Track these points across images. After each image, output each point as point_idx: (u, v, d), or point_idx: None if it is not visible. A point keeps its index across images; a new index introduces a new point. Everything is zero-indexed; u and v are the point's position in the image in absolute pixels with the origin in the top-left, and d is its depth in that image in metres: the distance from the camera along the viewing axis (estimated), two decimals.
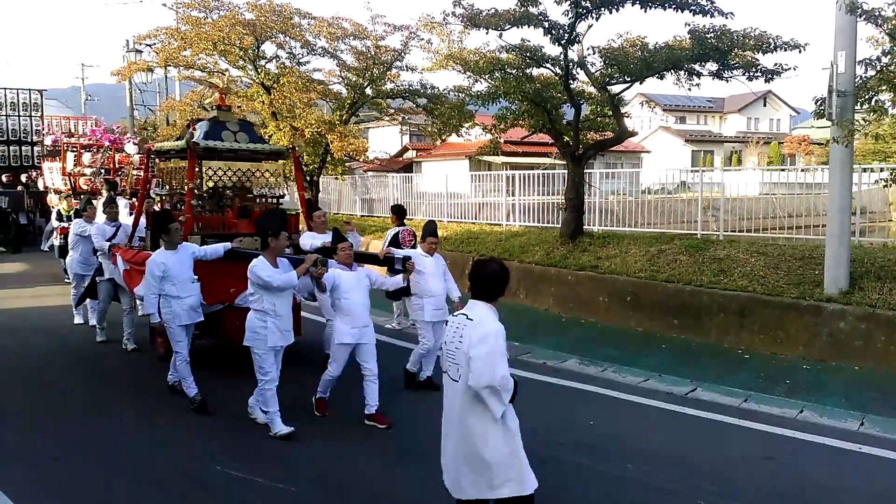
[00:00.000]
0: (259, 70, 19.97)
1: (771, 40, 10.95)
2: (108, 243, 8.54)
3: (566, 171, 13.20)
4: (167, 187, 8.79)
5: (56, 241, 13.50)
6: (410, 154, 33.51)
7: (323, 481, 5.11)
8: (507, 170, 17.64)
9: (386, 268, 7.27)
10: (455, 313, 3.86)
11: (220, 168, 7.93)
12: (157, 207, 9.26)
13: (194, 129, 7.92)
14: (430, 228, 7.26)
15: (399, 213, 9.82)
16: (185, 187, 7.72)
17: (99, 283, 8.88)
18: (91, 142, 17.40)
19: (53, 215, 13.88)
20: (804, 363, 8.38)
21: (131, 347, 8.60)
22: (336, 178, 22.72)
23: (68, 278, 12.30)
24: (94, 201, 11.47)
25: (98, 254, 8.89)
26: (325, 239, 7.33)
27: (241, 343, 5.94)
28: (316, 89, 20.09)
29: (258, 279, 5.64)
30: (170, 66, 21.27)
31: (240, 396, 6.45)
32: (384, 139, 33.99)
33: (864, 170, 13.37)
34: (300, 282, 6.03)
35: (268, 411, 5.85)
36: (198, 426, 6.22)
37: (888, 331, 8.11)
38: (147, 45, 21.81)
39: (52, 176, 17.23)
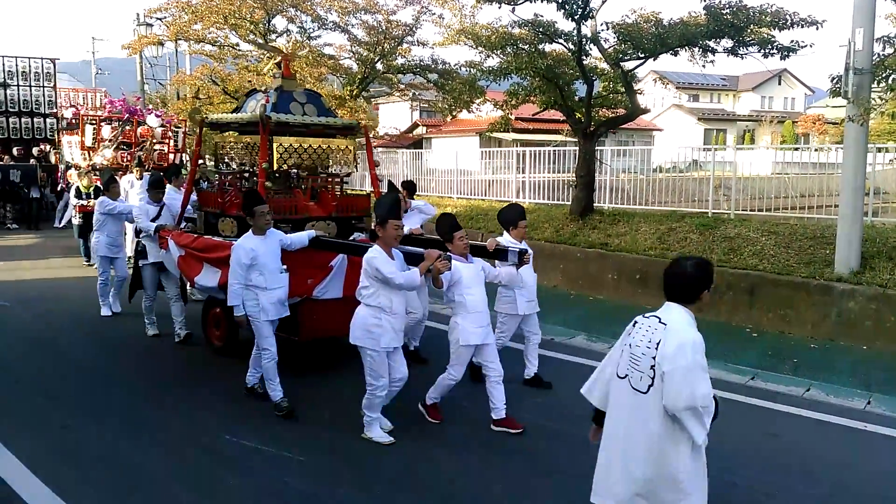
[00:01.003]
0: (270, 44, 19.88)
1: (788, 16, 10.81)
2: (154, 224, 7.76)
3: (577, 148, 13.13)
4: (223, 164, 8.11)
5: (75, 219, 12.85)
6: (421, 130, 33.42)
7: (331, 452, 5.18)
8: (517, 147, 17.57)
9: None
10: (646, 314, 3.45)
11: (289, 144, 6.96)
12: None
13: (267, 101, 6.98)
14: (519, 211, 6.37)
15: (410, 188, 9.80)
16: (257, 166, 6.85)
17: (142, 268, 8.05)
18: (112, 114, 16.02)
19: (72, 192, 13.00)
20: (812, 342, 8.37)
21: (184, 334, 7.86)
22: None
23: (88, 260, 12.29)
24: (116, 177, 11.13)
25: (141, 235, 8.09)
26: (411, 225, 6.65)
27: (309, 338, 5.89)
28: (327, 64, 20.03)
29: (378, 274, 5.01)
30: (180, 39, 21.26)
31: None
32: (395, 115, 33.89)
33: (879, 150, 13.23)
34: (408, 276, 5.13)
35: (371, 416, 5.31)
36: (209, 397, 6.30)
37: None
38: (158, 18, 21.81)
39: (71, 150, 16.10)
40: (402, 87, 22.66)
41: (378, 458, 5.08)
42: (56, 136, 20.59)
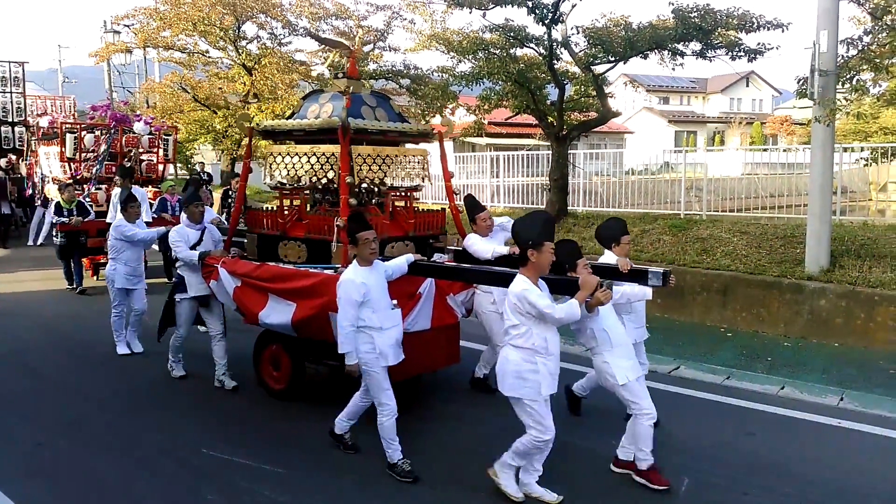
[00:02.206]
0: (240, 51, 19.79)
1: (754, 19, 10.99)
2: (196, 252, 6.48)
3: (550, 152, 13.20)
4: (277, 178, 6.33)
5: (56, 238, 11.20)
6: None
7: (311, 464, 5.12)
8: (491, 151, 17.61)
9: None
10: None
11: (364, 154, 5.88)
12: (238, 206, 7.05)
13: (348, 104, 5.80)
14: (622, 225, 5.55)
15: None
16: (339, 181, 5.68)
17: (179, 303, 6.76)
18: (95, 121, 13.94)
19: (51, 208, 11.56)
20: (785, 340, 8.49)
21: (232, 385, 6.60)
22: None
23: (71, 284, 11.28)
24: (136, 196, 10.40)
25: (178, 265, 6.77)
26: (499, 246, 5.93)
27: (399, 379, 4.97)
28: (298, 70, 19.94)
29: (533, 309, 4.18)
30: (149, 47, 21.05)
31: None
32: None
33: (846, 149, 13.48)
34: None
35: (514, 464, 4.53)
36: (185, 411, 6.20)
37: (867, 308, 8.22)
38: (125, 25, 21.54)
39: (49, 162, 14.27)
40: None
41: (359, 469, 5.03)
42: (25, 146, 19.79)
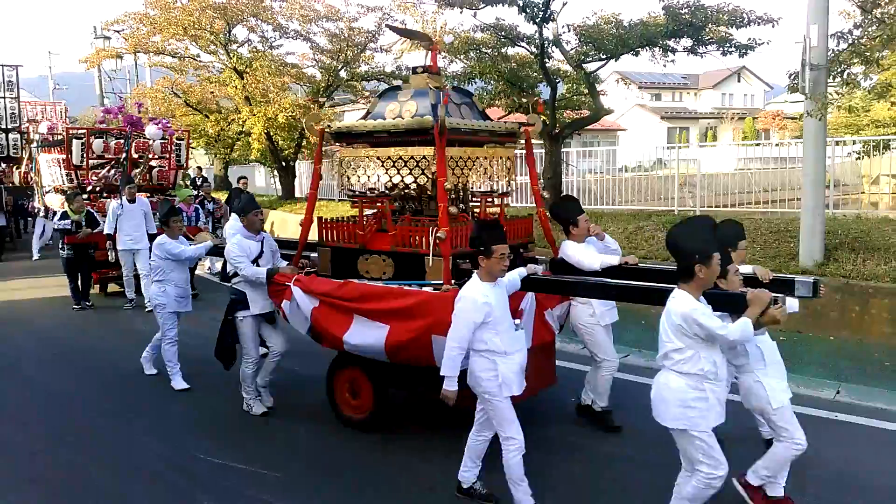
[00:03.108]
0: (231, 54, 19.74)
1: (744, 15, 11.02)
2: (263, 269, 5.77)
3: (543, 151, 13.22)
4: (347, 184, 5.69)
5: (63, 251, 10.44)
6: None
7: (309, 466, 5.11)
8: None
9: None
10: None
11: (457, 157, 5.26)
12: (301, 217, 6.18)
13: (446, 101, 5.16)
14: (738, 230, 4.89)
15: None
16: (436, 187, 5.05)
17: (241, 322, 5.96)
18: (106, 126, 12.71)
19: (56, 219, 10.61)
20: (781, 335, 8.47)
21: (261, 411, 6.10)
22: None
23: (78, 304, 10.43)
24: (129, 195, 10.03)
25: (235, 281, 5.96)
26: (607, 256, 5.42)
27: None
28: (289, 73, 19.93)
29: (702, 330, 3.70)
30: (139, 52, 20.99)
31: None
32: None
33: (837, 143, 13.52)
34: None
35: None
36: (180, 416, 6.18)
37: (861, 301, 8.24)
38: (115, 31, 21.47)
39: (51, 171, 13.08)
40: (367, 94, 22.59)
41: (358, 471, 5.02)
42: (20, 153, 19.23)
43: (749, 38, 11.41)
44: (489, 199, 5.79)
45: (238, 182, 13.79)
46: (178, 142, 12.67)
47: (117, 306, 10.64)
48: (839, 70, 9.47)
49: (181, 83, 20.79)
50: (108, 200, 11.19)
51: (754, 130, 43.58)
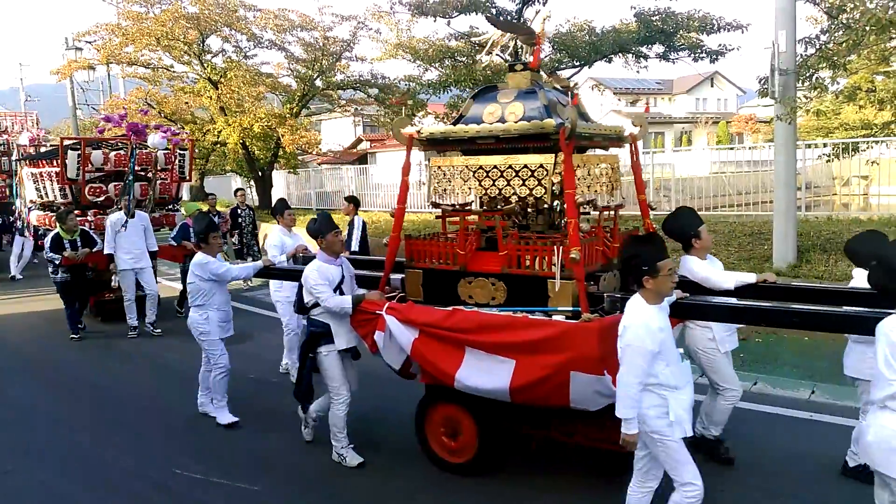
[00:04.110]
0: (205, 65, 19.62)
1: (714, 21, 11.20)
2: (349, 297, 5.06)
3: None
4: (437, 196, 5.06)
5: (57, 275, 9.35)
6: (365, 145, 33.30)
7: (287, 480, 5.07)
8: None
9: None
10: None
11: (539, 165, 4.57)
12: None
13: (575, 102, 4.69)
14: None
15: (356, 202, 9.95)
16: (566, 199, 4.35)
17: (325, 357, 5.21)
18: (106, 136, 11.65)
19: (48, 239, 9.30)
20: (756, 336, 8.58)
21: (308, 435, 5.67)
22: (289, 173, 22.46)
23: (75, 333, 9.35)
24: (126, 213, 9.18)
25: (315, 312, 5.21)
26: (741, 274, 4.94)
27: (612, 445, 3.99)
28: (265, 82, 19.84)
29: None
30: (112, 63, 20.77)
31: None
32: (337, 131, 33.72)
33: (808, 146, 13.73)
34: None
35: None
36: (155, 431, 6.10)
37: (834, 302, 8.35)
38: (87, 42, 21.25)
39: (39, 185, 11.56)
40: (343, 102, 22.57)
41: (335, 483, 4.98)
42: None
43: (719, 44, 11.63)
44: (616, 211, 5.15)
45: (235, 195, 13.39)
46: (181, 152, 11.50)
47: (105, 330, 9.91)
48: (808, 74, 9.62)
49: (155, 94, 20.60)
50: (105, 216, 10.09)
51: (728, 134, 44.13)
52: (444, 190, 4.91)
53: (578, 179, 4.53)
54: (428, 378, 4.86)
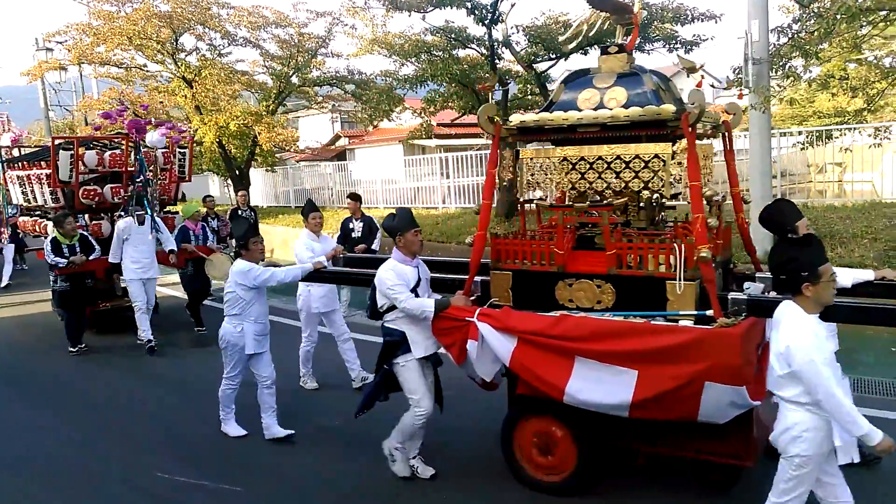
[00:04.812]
0: (179, 63, 19.42)
1: (688, 12, 11.26)
2: (430, 300, 4.56)
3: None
4: (530, 190, 4.65)
5: (55, 283, 8.72)
6: (343, 142, 33.13)
7: (272, 481, 5.04)
8: (441, 152, 17.63)
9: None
10: None
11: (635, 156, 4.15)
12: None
13: (700, 85, 4.32)
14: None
15: (358, 199, 9.52)
16: (691, 192, 3.96)
17: (403, 368, 4.69)
18: (104, 135, 10.70)
19: (47, 245, 8.54)
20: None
21: (430, 471, 4.88)
22: (267, 170, 22.32)
23: (74, 347, 8.66)
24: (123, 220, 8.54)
25: (388, 319, 4.73)
26: (857, 271, 4.50)
27: (755, 461, 3.82)
28: (240, 80, 19.70)
29: None
30: (84, 63, 20.49)
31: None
32: (315, 128, 33.52)
33: (783, 134, 13.86)
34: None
35: None
36: (139, 437, 6.02)
37: None
38: (58, 42, 20.94)
39: (27, 188, 10.55)
40: (320, 99, 22.45)
41: (321, 483, 4.96)
42: None
43: (694, 35, 11.69)
44: (720, 206, 4.64)
45: (237, 196, 12.69)
46: (180, 151, 10.68)
47: (101, 344, 9.07)
48: (780, 63, 9.71)
49: (129, 94, 20.35)
50: (102, 221, 9.47)
51: None
52: (538, 184, 4.40)
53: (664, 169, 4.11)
54: (526, 389, 4.38)
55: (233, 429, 5.83)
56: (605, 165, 4.18)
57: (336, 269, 5.94)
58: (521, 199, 4.82)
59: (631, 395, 3.84)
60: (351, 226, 9.12)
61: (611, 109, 4.14)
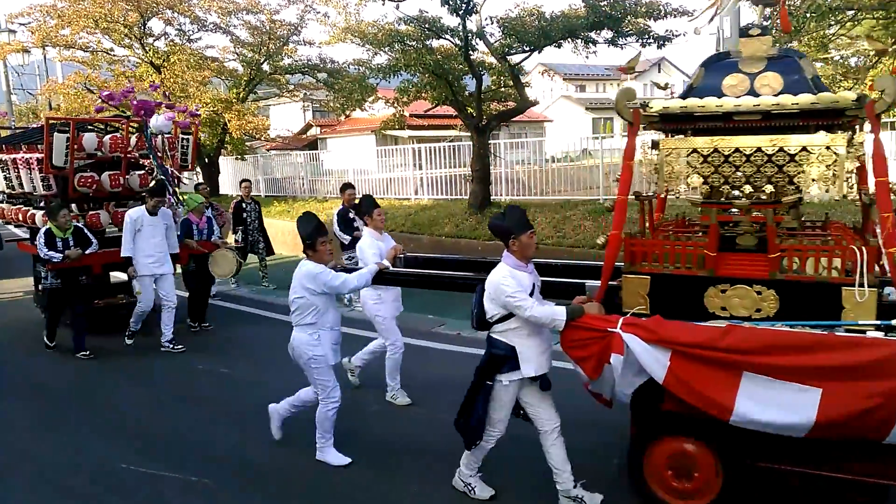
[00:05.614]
0: (147, 48, 19.06)
1: (661, 7, 11.32)
2: (563, 309, 4.04)
3: (470, 143, 13.27)
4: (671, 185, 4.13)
5: (46, 280, 7.96)
6: (315, 131, 32.87)
7: (240, 474, 4.97)
8: (413, 143, 17.56)
9: None
10: None
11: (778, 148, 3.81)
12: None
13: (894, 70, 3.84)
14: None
15: (353, 188, 9.46)
16: (879, 187, 3.65)
17: (504, 387, 4.20)
18: (107, 117, 9.71)
19: (40, 239, 7.70)
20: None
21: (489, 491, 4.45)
22: (236, 159, 22.03)
23: (86, 352, 7.83)
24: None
25: (496, 329, 4.19)
26: None
27: None
28: (210, 67, 19.40)
29: None
30: (48, 46, 20.01)
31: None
32: (286, 116, 33.18)
33: None
34: None
35: None
36: (102, 428, 5.91)
37: None
38: (21, 24, 20.42)
39: (11, 173, 9.36)
40: (292, 87, 22.22)
41: (289, 478, 4.91)
42: None
43: (666, 30, 11.75)
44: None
45: (240, 186, 11.63)
46: (184, 137, 9.70)
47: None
48: None
49: (95, 78, 19.90)
50: (100, 212, 8.67)
51: None
52: (684, 177, 4.00)
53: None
54: (675, 405, 3.89)
55: (334, 457, 5.04)
56: (765, 158, 3.80)
57: (413, 270, 5.55)
58: (662, 194, 4.46)
59: (814, 415, 3.45)
60: (351, 215, 9.10)
61: (763, 96, 3.81)
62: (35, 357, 8.02)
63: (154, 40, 19.59)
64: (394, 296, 6.07)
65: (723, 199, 4.01)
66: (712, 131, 3.96)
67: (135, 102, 8.73)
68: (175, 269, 8.28)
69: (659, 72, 54.75)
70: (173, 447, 5.41)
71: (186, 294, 8.93)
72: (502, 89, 14.28)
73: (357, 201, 8.63)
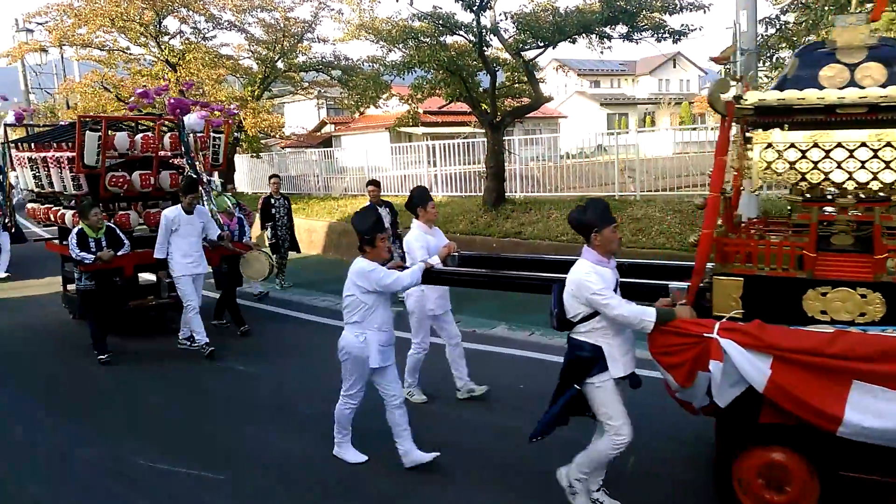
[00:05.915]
0: (163, 46, 19.15)
1: (677, 1, 11.21)
2: (653, 310, 3.83)
3: (485, 139, 13.24)
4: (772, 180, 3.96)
5: (80, 282, 7.72)
6: (329, 128, 32.92)
7: (256, 468, 4.99)
8: (428, 140, 17.55)
9: None
10: None
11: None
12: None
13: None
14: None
15: (378, 185, 9.55)
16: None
17: (598, 389, 4.00)
18: (139, 115, 9.45)
19: (73, 239, 7.50)
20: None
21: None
22: (252, 157, 22.12)
23: (104, 354, 7.62)
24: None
25: (579, 329, 4.01)
26: None
27: None
28: (225, 65, 19.46)
29: None
30: (65, 45, 20.17)
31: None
32: (301, 114, 33.27)
33: None
34: None
35: None
36: (117, 423, 5.96)
37: None
38: (38, 23, 20.58)
39: (41, 172, 9.03)
40: (306, 85, 22.25)
41: (307, 472, 4.93)
42: None
43: (682, 25, 11.68)
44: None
45: (269, 182, 11.49)
46: (215, 135, 9.55)
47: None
48: (768, 54, 9.73)
49: (111, 77, 20.03)
50: (130, 213, 8.59)
51: (691, 115, 44.63)
52: (791, 173, 3.81)
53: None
54: (776, 416, 3.70)
55: (351, 454, 5.05)
56: (872, 154, 3.62)
57: (461, 270, 5.43)
58: (756, 192, 4.27)
59: None
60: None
61: (865, 88, 3.63)
62: (59, 356, 8.09)
63: (169, 38, 19.69)
64: (439, 293, 5.90)
65: (826, 196, 3.86)
66: (806, 125, 3.79)
67: (170, 101, 8.69)
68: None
69: (674, 67, 54.36)
70: (193, 444, 5.44)
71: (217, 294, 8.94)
72: (516, 85, 14.23)
73: (378, 199, 8.80)
